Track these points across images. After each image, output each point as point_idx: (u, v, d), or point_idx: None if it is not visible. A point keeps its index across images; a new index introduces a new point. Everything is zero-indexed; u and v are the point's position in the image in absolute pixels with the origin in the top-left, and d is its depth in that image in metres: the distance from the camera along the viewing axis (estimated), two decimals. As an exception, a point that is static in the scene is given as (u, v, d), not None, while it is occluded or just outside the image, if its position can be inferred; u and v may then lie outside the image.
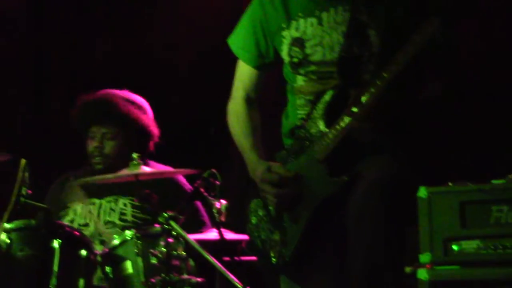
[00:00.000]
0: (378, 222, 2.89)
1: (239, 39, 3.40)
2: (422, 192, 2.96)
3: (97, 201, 4.39)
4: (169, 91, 5.65)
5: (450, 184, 2.99)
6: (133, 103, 4.49)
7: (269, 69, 3.39)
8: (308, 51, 3.18)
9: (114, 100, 4.46)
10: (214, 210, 3.69)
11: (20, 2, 5.83)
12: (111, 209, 4.35)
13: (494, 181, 2.94)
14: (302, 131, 3.19)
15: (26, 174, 4.01)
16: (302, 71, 3.21)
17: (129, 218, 4.31)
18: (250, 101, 3.42)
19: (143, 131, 4.46)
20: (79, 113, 4.49)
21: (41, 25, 5.83)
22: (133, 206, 4.34)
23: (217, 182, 3.68)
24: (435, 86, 3.14)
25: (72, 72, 5.79)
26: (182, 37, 5.66)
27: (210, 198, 3.69)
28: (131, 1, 5.79)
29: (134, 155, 3.91)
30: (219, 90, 5.26)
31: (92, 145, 4.45)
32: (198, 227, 4.29)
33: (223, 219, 3.71)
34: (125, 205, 4.33)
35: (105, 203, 4.37)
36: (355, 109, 3.01)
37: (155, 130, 4.51)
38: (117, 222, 4.31)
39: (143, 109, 4.53)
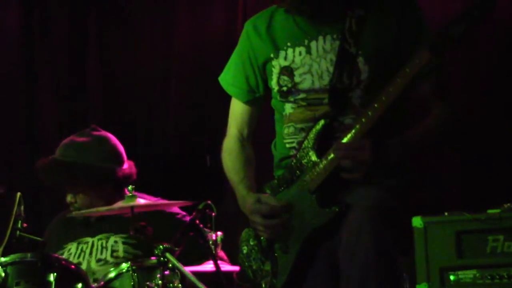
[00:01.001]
0: (371, 253, 2.87)
1: (229, 76, 3.44)
2: (418, 221, 2.96)
3: (89, 239, 4.39)
4: (164, 121, 5.66)
5: (445, 213, 2.98)
6: (99, 155, 4.45)
7: (261, 104, 3.41)
8: (297, 79, 3.19)
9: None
10: (210, 242, 3.68)
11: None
12: (103, 246, 4.34)
13: (490, 211, 2.94)
14: (293, 161, 3.19)
15: (22, 207, 4.00)
16: (291, 99, 3.22)
17: (120, 254, 4.29)
18: (242, 137, 3.44)
19: (100, 174, 4.42)
20: (43, 175, 4.47)
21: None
22: (124, 243, 4.33)
23: (213, 214, 3.67)
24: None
25: (65, 105, 5.79)
26: (177, 67, 5.67)
27: (205, 229, 3.68)
28: (123, 34, 5.80)
29: (129, 187, 3.91)
30: (214, 120, 5.33)
31: (67, 196, 4.45)
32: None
33: (219, 250, 3.71)
34: (116, 242, 4.32)
35: (96, 241, 4.36)
36: (345, 140, 3.01)
37: (126, 171, 4.47)
38: (109, 259, 4.29)
39: (111, 155, 4.48)
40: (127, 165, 4.50)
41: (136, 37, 5.77)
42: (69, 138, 4.52)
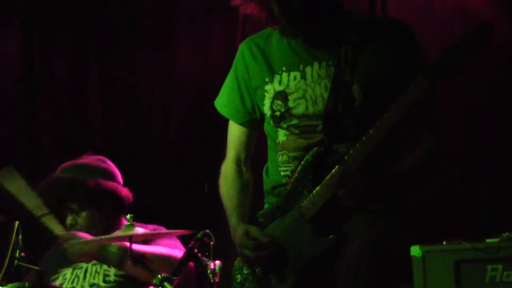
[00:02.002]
0: (370, 285, 2.86)
1: (223, 98, 3.41)
2: (416, 251, 2.95)
3: (84, 265, 4.37)
4: (162, 149, 5.67)
5: (444, 242, 2.98)
6: (99, 173, 4.47)
7: (258, 126, 3.39)
8: (291, 104, 3.18)
9: (68, 178, 4.44)
10: (208, 271, 3.67)
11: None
12: (96, 271, 4.33)
13: (488, 240, 2.93)
14: (287, 189, 3.18)
15: (20, 237, 4.00)
16: (284, 125, 3.21)
17: (112, 278, 4.28)
18: (239, 161, 3.42)
19: (108, 198, 4.43)
20: (43, 198, 4.46)
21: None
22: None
23: (211, 242, 3.66)
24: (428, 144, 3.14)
25: (66, 132, 5.80)
26: (176, 96, 5.69)
27: (204, 258, 3.67)
28: (124, 62, 5.82)
29: (128, 216, 3.90)
30: (213, 148, 5.32)
31: (67, 219, 4.43)
32: None
33: (217, 280, 3.69)
34: (108, 266, 4.31)
35: (91, 266, 4.35)
36: (339, 168, 3.00)
37: (123, 193, 4.48)
38: (101, 284, 4.28)
39: (110, 175, 4.50)
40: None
41: (137, 66, 5.79)
42: (68, 162, 4.54)
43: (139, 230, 3.92)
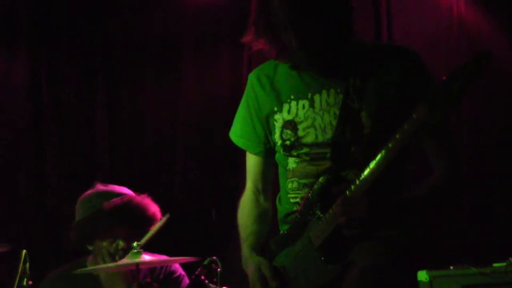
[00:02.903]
0: None
1: (237, 129, 3.40)
2: (423, 276, 2.96)
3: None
4: (170, 176, 5.68)
5: (451, 267, 2.97)
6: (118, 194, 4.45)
7: (273, 155, 3.35)
8: (300, 133, 3.17)
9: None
10: (216, 298, 3.67)
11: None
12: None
13: (495, 264, 2.93)
14: (297, 217, 3.17)
15: (27, 265, 4.00)
16: (294, 153, 3.19)
17: None
18: (257, 190, 3.39)
19: (150, 225, 4.41)
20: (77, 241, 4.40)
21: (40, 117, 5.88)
22: None
23: (218, 269, 3.65)
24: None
25: (73, 158, 5.82)
26: (181, 119, 5.71)
27: (211, 285, 3.67)
28: (131, 88, 5.85)
29: (134, 244, 3.89)
30: (221, 174, 5.34)
31: (110, 244, 4.37)
32: None
33: (224, 306, 3.69)
34: None
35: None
36: (345, 195, 3.00)
37: (157, 219, 4.46)
38: None
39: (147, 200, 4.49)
40: None
41: (144, 90, 5.82)
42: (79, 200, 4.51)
43: (146, 257, 3.91)
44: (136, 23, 5.86)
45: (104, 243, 4.29)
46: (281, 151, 3.23)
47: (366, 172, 2.93)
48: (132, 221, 4.29)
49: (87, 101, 5.89)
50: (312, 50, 3.06)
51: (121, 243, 4.24)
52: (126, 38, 5.88)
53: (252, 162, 3.39)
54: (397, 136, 2.86)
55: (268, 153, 3.35)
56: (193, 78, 5.71)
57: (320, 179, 3.10)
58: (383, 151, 2.89)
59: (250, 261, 3.23)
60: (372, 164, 2.92)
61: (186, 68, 5.73)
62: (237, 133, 3.40)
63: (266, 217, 3.37)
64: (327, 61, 3.11)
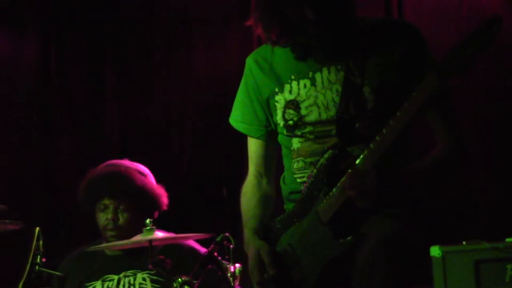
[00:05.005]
0: (385, 282, 2.86)
1: (237, 114, 3.40)
2: (436, 251, 2.96)
3: (115, 276, 4.36)
4: (181, 154, 5.69)
5: (464, 242, 2.98)
6: (144, 175, 4.50)
7: (275, 137, 3.36)
8: (303, 112, 3.17)
9: (129, 173, 4.45)
10: (229, 274, 3.69)
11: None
12: (130, 284, 4.30)
13: (508, 239, 2.93)
14: (303, 194, 3.18)
15: (40, 242, 4.02)
16: (298, 133, 3.20)
17: None
18: (260, 174, 3.39)
19: (155, 204, 4.46)
20: (91, 186, 4.45)
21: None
22: (152, 281, 4.29)
23: (231, 246, 3.66)
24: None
25: (82, 141, 5.84)
26: (190, 99, 5.72)
27: (224, 262, 3.68)
28: (138, 69, 5.86)
29: (147, 221, 3.91)
30: (231, 152, 5.35)
31: (104, 217, 4.41)
32: None
33: (237, 282, 3.70)
34: (144, 279, 4.29)
35: (123, 278, 4.34)
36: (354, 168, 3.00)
37: (165, 200, 4.51)
38: None
39: (153, 179, 4.54)
40: None
41: (153, 73, 5.82)
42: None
43: (159, 234, 3.93)
44: (146, 3, 5.86)
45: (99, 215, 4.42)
46: (284, 132, 3.23)
47: (374, 144, 2.93)
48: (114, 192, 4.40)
49: (96, 81, 5.91)
50: (311, 32, 3.05)
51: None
52: (135, 18, 5.89)
53: (254, 146, 3.40)
54: (406, 105, 2.87)
55: (269, 136, 3.35)
56: (202, 58, 5.71)
57: (326, 155, 3.10)
58: (391, 122, 2.89)
59: (251, 244, 3.24)
60: (380, 136, 2.92)
61: (196, 48, 5.73)
62: (237, 119, 3.40)
63: (269, 201, 3.37)
64: (330, 39, 3.11)
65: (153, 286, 4.28)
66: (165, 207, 4.50)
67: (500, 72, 4.87)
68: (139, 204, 4.41)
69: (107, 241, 4.39)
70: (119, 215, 4.38)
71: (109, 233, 4.36)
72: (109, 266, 4.37)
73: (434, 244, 2.99)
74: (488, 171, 4.73)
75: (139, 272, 4.32)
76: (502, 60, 4.78)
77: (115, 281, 4.33)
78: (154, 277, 4.25)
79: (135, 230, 4.18)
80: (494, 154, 4.77)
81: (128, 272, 4.34)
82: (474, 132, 4.74)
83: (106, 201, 4.40)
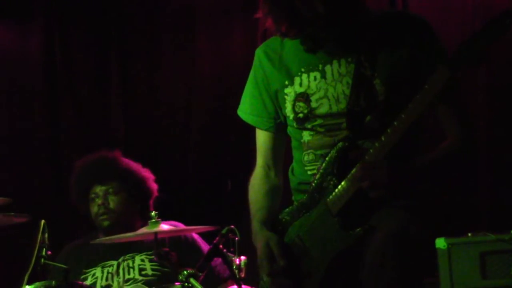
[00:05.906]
0: (395, 278, 2.86)
1: (246, 106, 3.38)
2: (442, 243, 2.96)
3: (113, 262, 4.40)
4: (185, 146, 5.70)
5: (469, 234, 2.98)
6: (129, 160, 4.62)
7: (284, 130, 3.34)
8: (313, 104, 3.16)
9: (112, 156, 4.61)
10: (234, 266, 3.69)
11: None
12: (129, 267, 4.35)
13: (514, 231, 2.94)
14: (313, 185, 3.17)
15: (46, 235, 4.03)
16: (308, 126, 3.19)
17: (149, 272, 4.31)
18: (268, 166, 3.38)
19: (143, 185, 4.54)
20: (80, 175, 4.62)
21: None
22: (151, 261, 4.34)
23: (236, 238, 3.67)
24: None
25: (86, 136, 5.84)
26: (198, 93, 5.72)
27: (229, 254, 3.69)
28: (145, 62, 5.86)
29: (153, 213, 3.92)
30: (236, 144, 5.35)
31: (95, 205, 4.51)
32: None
33: (243, 275, 3.71)
34: (142, 260, 4.34)
35: (122, 262, 4.37)
36: (365, 160, 2.99)
37: (153, 184, 4.59)
38: (138, 277, 4.30)
39: (138, 165, 4.64)
40: None
41: (158, 65, 5.82)
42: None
43: (164, 227, 3.94)
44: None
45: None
46: (294, 124, 3.22)
47: (386, 136, 2.93)
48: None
49: (101, 74, 5.91)
50: (334, 18, 3.04)
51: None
52: (140, 11, 5.88)
53: (262, 138, 3.38)
54: (418, 98, 2.87)
55: (278, 128, 3.33)
56: (207, 52, 5.70)
57: (337, 147, 3.10)
58: (403, 115, 2.89)
59: (259, 236, 3.22)
60: (391, 129, 2.92)
61: (200, 42, 5.73)
62: (246, 110, 3.38)
63: (277, 192, 3.36)
64: (339, 31, 3.11)
65: (151, 265, 4.31)
66: (155, 193, 4.60)
67: (500, 72, 4.86)
68: (127, 187, 4.48)
69: (101, 229, 4.46)
70: (109, 199, 4.47)
71: (101, 218, 4.47)
72: (108, 253, 4.43)
73: (440, 236, 2.98)
74: (495, 163, 4.73)
75: (136, 254, 4.38)
76: (502, 60, 4.76)
77: (115, 266, 4.37)
78: (152, 257, 4.28)
79: (129, 216, 4.29)
80: (495, 150, 4.76)
81: (127, 256, 4.39)
82: (474, 132, 4.73)
83: (96, 189, 4.53)
